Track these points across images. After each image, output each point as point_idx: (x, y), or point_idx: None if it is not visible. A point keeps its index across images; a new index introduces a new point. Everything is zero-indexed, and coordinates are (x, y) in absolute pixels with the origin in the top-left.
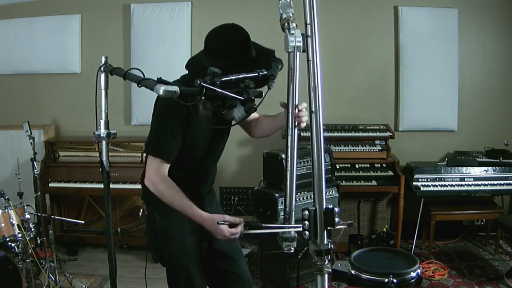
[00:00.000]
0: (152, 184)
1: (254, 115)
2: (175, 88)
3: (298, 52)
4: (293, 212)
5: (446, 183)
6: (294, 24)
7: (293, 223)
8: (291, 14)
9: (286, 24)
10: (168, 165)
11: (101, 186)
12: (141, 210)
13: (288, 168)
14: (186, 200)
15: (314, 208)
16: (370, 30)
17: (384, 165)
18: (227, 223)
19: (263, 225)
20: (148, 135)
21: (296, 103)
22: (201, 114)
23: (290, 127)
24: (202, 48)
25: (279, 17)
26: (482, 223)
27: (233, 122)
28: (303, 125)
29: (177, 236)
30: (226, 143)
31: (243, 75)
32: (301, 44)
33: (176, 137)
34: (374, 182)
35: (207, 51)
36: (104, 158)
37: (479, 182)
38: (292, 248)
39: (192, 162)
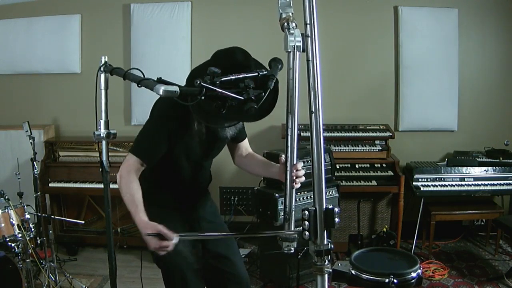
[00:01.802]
0: (118, 177)
1: (246, 144)
2: (175, 88)
3: (297, 52)
4: (293, 212)
5: (446, 183)
6: (294, 24)
7: (293, 223)
8: (290, 14)
9: (285, 23)
10: (143, 168)
11: (101, 186)
12: None
13: (288, 168)
14: (136, 202)
15: (314, 208)
16: (370, 30)
17: (384, 165)
18: (155, 234)
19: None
20: (138, 134)
21: (294, 162)
22: (195, 129)
23: (290, 126)
24: (201, 48)
25: (279, 16)
26: (482, 223)
27: (228, 126)
28: (298, 185)
29: None
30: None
31: (243, 75)
32: (300, 44)
33: (161, 145)
34: (374, 182)
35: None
36: (104, 158)
37: (479, 182)
38: (292, 249)
39: (183, 168)
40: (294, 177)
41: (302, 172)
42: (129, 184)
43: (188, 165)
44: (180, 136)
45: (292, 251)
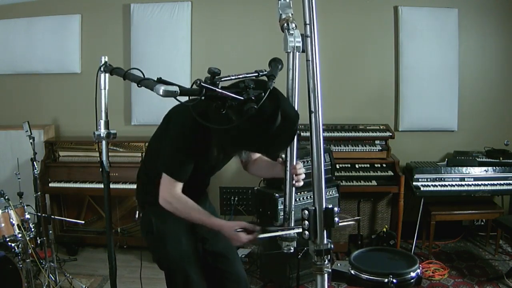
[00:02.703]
0: (168, 204)
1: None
2: (175, 88)
3: (297, 52)
4: (293, 212)
5: (446, 183)
6: (294, 25)
7: (292, 223)
8: (290, 15)
9: (285, 24)
10: (181, 184)
11: (101, 186)
12: (137, 211)
13: (288, 168)
14: (202, 211)
15: (314, 208)
16: (370, 30)
17: (384, 165)
18: (242, 230)
19: (276, 227)
20: (164, 152)
21: (294, 162)
22: (213, 149)
23: None
24: (201, 48)
25: (279, 17)
26: (482, 223)
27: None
28: (301, 183)
29: (173, 237)
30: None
31: (243, 75)
32: (300, 44)
33: (191, 160)
34: (374, 182)
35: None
36: (104, 158)
37: (479, 182)
38: (292, 248)
39: (192, 178)
40: (294, 175)
41: (302, 170)
42: (184, 204)
43: (198, 174)
44: (200, 150)
45: (291, 251)
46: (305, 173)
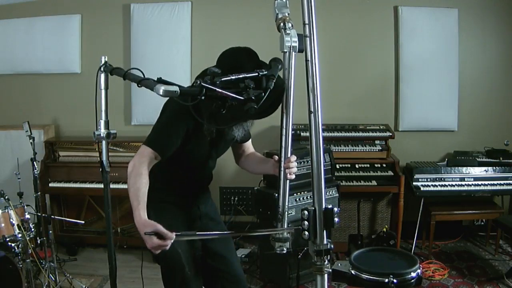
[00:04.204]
0: (130, 168)
1: (248, 144)
2: (175, 88)
3: (293, 52)
4: (286, 213)
5: (446, 183)
6: (290, 24)
7: (285, 223)
8: (286, 14)
9: (281, 24)
10: (156, 161)
11: (101, 186)
12: None
13: (282, 168)
14: (141, 196)
15: (313, 208)
16: (370, 30)
17: (384, 165)
18: (153, 233)
19: (197, 233)
20: (153, 126)
21: (289, 155)
22: (206, 128)
23: (284, 126)
24: (201, 48)
25: (275, 17)
26: (482, 223)
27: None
28: (293, 176)
29: None
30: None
31: (243, 75)
32: (296, 44)
33: (177, 139)
34: (374, 182)
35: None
36: (104, 158)
37: (479, 182)
38: (285, 249)
39: (190, 166)
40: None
41: (294, 164)
42: (138, 177)
43: (195, 162)
44: (193, 134)
45: (284, 252)
46: (305, 173)
